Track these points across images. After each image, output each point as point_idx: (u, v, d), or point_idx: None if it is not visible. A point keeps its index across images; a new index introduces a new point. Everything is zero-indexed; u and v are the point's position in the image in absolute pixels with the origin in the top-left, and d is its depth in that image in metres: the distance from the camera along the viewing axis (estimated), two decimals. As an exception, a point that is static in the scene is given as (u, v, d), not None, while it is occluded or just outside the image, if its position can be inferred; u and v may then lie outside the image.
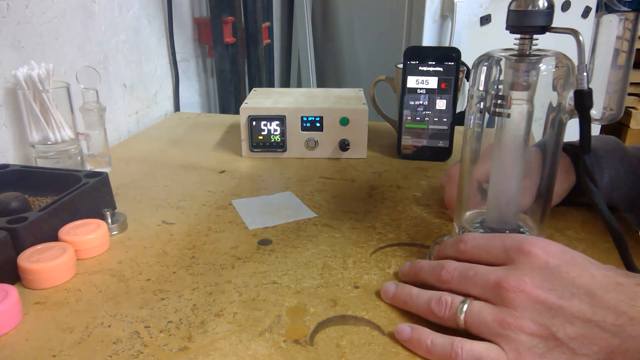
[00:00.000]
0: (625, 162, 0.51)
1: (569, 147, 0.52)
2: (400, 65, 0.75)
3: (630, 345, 0.30)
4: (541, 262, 0.35)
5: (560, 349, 0.31)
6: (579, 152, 0.40)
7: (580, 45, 0.36)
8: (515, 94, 0.39)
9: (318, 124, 0.75)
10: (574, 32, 0.36)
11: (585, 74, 0.37)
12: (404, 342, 0.37)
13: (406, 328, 0.37)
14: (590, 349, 0.31)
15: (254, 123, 0.74)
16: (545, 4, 0.37)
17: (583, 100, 0.37)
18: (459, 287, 0.38)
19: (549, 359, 0.31)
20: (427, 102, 0.73)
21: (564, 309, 0.32)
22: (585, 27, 1.34)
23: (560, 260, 0.35)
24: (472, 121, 0.43)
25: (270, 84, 1.57)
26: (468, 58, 0.72)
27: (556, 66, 0.39)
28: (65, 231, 0.48)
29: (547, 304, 0.33)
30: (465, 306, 0.35)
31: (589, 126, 0.39)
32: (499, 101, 0.40)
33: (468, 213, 0.46)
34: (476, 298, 0.36)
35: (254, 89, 0.89)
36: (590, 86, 0.37)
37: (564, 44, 0.39)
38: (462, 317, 0.35)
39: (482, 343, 0.34)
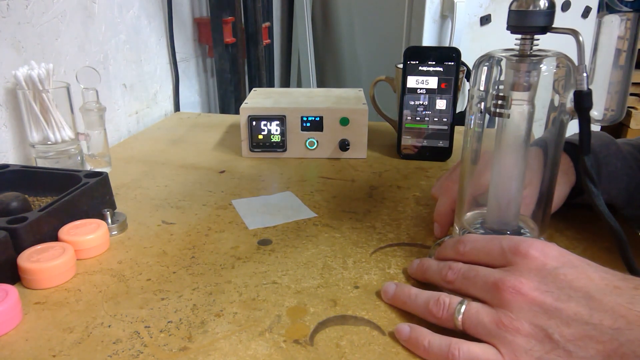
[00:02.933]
0: (620, 157, 0.51)
1: (568, 146, 0.51)
2: (400, 65, 0.75)
3: (628, 348, 0.29)
4: (539, 264, 0.35)
5: (557, 352, 0.31)
6: (578, 152, 0.40)
7: (580, 45, 0.36)
8: (516, 95, 0.39)
9: (318, 124, 0.75)
10: (574, 33, 0.36)
11: (585, 74, 0.37)
12: (403, 341, 0.37)
13: (405, 328, 0.37)
14: (587, 351, 0.30)
15: (254, 123, 0.74)
16: (546, 4, 0.37)
17: (582, 101, 0.37)
18: (461, 287, 0.38)
19: None
20: (427, 102, 0.73)
21: (560, 311, 0.32)
22: (586, 27, 1.34)
23: (558, 263, 0.34)
24: (472, 121, 0.43)
25: (270, 84, 1.57)
26: (468, 58, 0.73)
27: (557, 67, 0.39)
28: (65, 231, 0.48)
29: (544, 305, 0.32)
30: (463, 307, 0.35)
31: (589, 127, 0.39)
32: (500, 102, 0.40)
33: (469, 214, 0.46)
34: (476, 299, 0.36)
35: (254, 89, 0.89)
36: (592, 87, 0.37)
37: (565, 45, 0.39)
38: (459, 318, 0.35)
39: (480, 345, 0.34)
